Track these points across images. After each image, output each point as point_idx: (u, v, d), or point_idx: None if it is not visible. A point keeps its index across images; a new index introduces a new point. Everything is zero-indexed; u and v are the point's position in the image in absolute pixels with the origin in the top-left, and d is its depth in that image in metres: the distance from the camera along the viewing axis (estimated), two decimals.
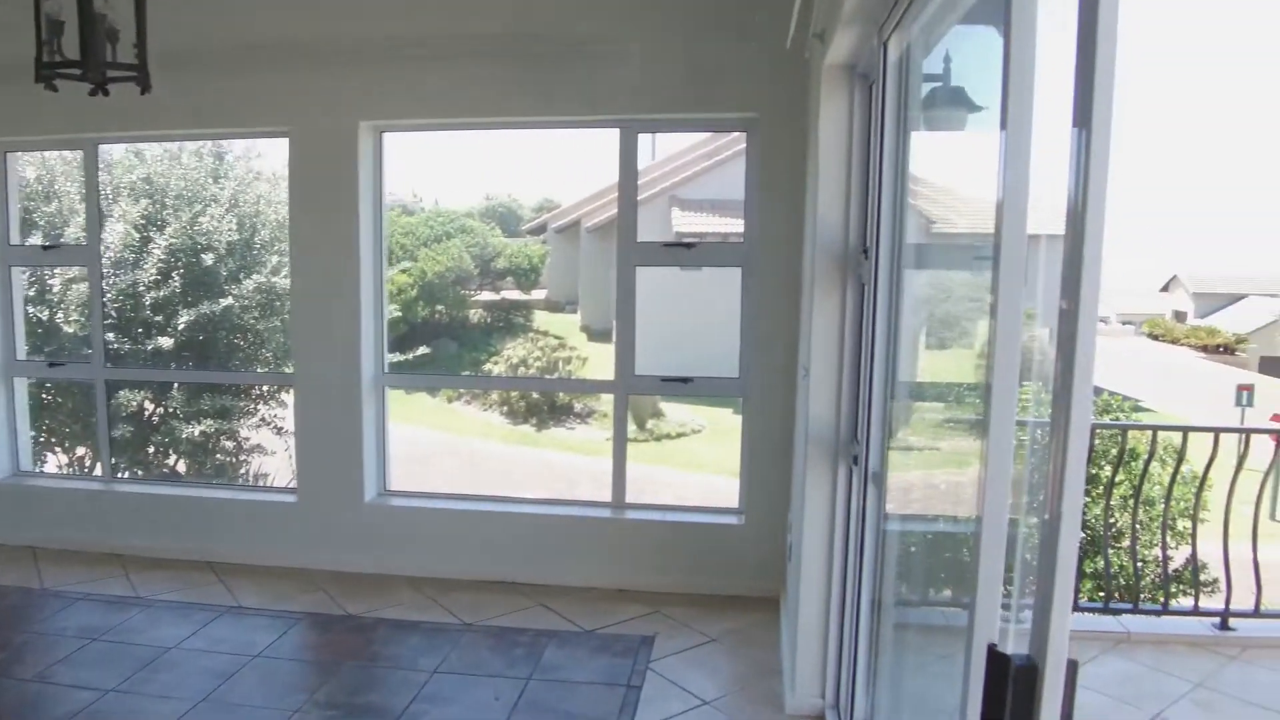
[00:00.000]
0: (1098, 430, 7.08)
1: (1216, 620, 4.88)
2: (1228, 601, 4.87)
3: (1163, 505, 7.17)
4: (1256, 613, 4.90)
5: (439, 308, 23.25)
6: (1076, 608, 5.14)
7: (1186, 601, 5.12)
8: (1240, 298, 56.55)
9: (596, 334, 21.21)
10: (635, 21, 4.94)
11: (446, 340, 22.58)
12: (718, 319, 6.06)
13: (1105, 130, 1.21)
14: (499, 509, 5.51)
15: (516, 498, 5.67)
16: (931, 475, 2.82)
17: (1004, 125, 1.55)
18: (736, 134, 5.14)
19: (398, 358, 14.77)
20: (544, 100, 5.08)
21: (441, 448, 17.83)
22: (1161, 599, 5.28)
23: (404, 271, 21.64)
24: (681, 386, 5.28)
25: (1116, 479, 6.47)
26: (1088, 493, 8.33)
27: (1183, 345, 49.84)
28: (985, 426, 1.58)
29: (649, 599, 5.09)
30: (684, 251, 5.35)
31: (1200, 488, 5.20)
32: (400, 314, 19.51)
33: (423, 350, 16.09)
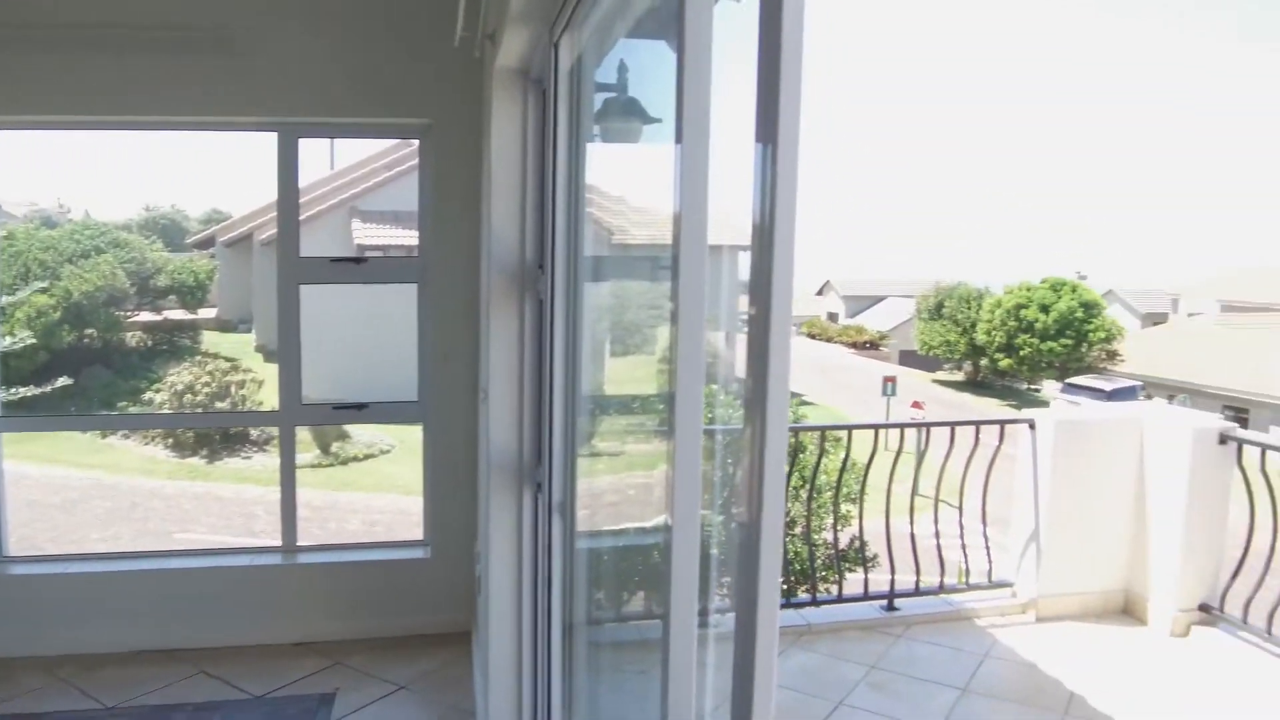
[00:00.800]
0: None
1: (884, 603, 5.23)
2: (892, 584, 5.23)
3: (831, 493, 7.73)
4: (916, 591, 5.30)
5: (89, 331, 20.88)
6: None
7: (857, 577, 5.47)
8: (881, 299, 63.63)
9: (273, 354, 19.88)
10: (289, 13, 4.49)
11: (99, 368, 20.33)
12: (399, 338, 5.71)
13: (792, 146, 1.18)
14: (150, 566, 4.82)
15: (170, 551, 5.00)
16: (621, 492, 2.72)
17: (679, 139, 1.46)
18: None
19: (31, 391, 12.92)
20: (186, 99, 4.49)
21: (95, 490, 15.90)
22: (835, 581, 5.59)
23: (43, 292, 19.20)
24: (356, 414, 4.88)
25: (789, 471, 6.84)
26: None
27: (837, 343, 55.27)
28: (671, 437, 1.52)
29: (329, 650, 4.65)
30: (354, 267, 4.96)
31: (865, 476, 5.56)
32: (38, 340, 17.21)
33: (64, 381, 14.24)
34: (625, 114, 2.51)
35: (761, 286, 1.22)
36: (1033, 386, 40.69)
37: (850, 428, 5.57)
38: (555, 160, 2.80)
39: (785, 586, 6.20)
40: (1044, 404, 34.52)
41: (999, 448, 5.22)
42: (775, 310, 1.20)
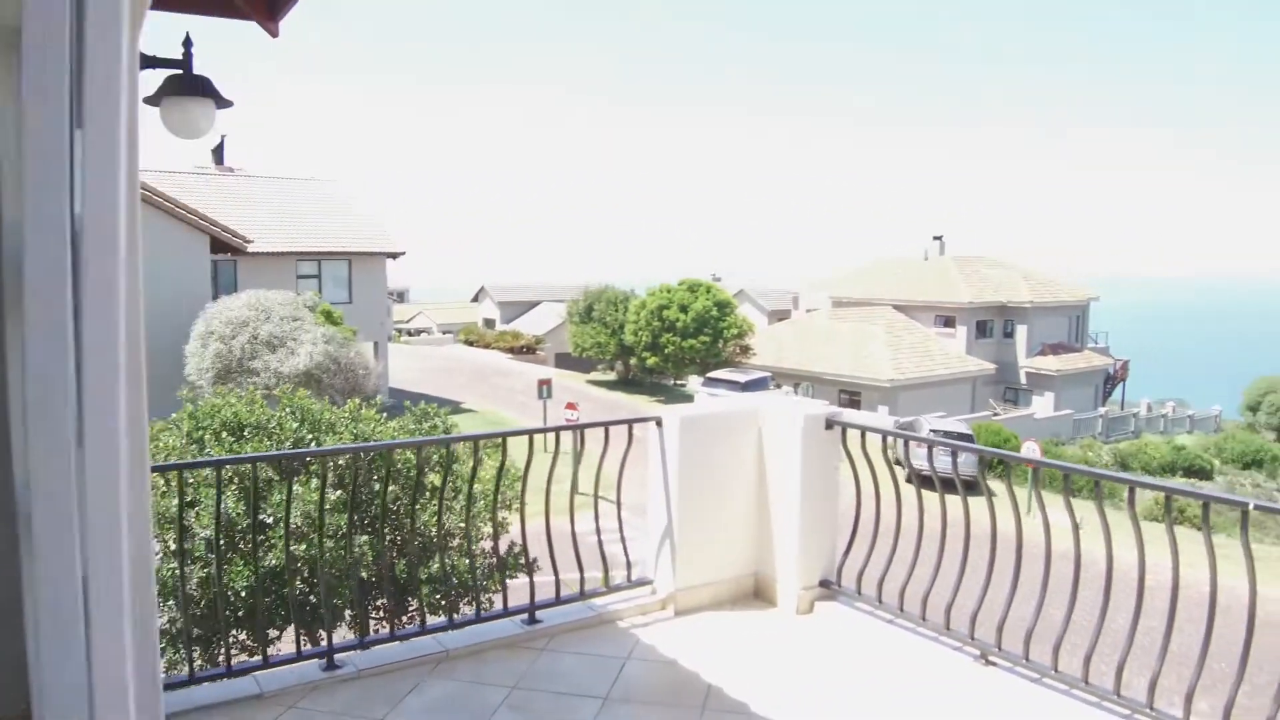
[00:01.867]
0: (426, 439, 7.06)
1: (525, 616, 5.00)
2: (532, 596, 5.02)
3: (485, 502, 7.45)
4: (558, 600, 5.13)
5: None
6: (394, 635, 4.91)
7: (517, 583, 5.22)
8: (536, 304, 64.81)
9: None
10: None
11: None
12: None
13: (109, 133, 1.09)
14: None
15: None
16: None
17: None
18: None
19: None
20: None
21: None
22: (496, 592, 5.29)
23: None
24: None
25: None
26: (420, 503, 8.23)
27: (495, 348, 55.47)
28: None
29: None
30: None
31: (524, 481, 5.31)
32: None
33: None
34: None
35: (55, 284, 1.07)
36: (679, 382, 43.14)
37: (478, 438, 5.33)
38: None
39: (445, 603, 5.82)
40: (689, 398, 36.72)
41: (629, 447, 5.17)
42: (88, 314, 1.03)
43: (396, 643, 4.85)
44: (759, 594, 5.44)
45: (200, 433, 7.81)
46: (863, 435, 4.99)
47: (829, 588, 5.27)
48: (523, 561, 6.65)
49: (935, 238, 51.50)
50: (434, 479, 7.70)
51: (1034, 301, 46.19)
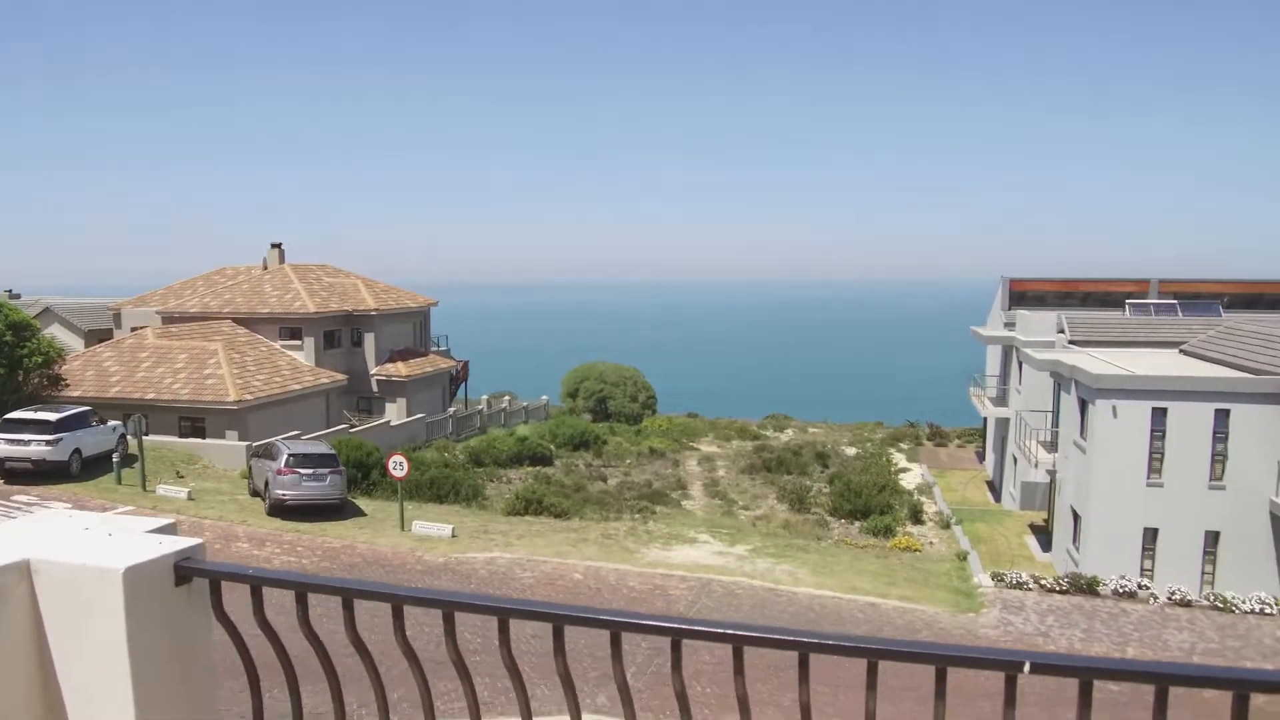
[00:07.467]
0: None
1: None
2: None
3: None
4: None
5: None
6: None
7: None
8: None
9: None
10: None
11: None
12: None
13: None
14: None
15: None
16: None
17: None
18: None
19: None
20: None
21: None
22: None
23: None
24: None
25: None
26: None
27: None
28: None
29: None
30: None
31: None
32: None
33: None
34: None
35: None
36: None
37: None
38: None
39: None
40: None
41: None
42: None
43: None
44: None
45: None
46: (255, 591, 2.74)
47: None
48: None
49: (274, 245, 48.62)
50: None
51: (379, 309, 46.00)
